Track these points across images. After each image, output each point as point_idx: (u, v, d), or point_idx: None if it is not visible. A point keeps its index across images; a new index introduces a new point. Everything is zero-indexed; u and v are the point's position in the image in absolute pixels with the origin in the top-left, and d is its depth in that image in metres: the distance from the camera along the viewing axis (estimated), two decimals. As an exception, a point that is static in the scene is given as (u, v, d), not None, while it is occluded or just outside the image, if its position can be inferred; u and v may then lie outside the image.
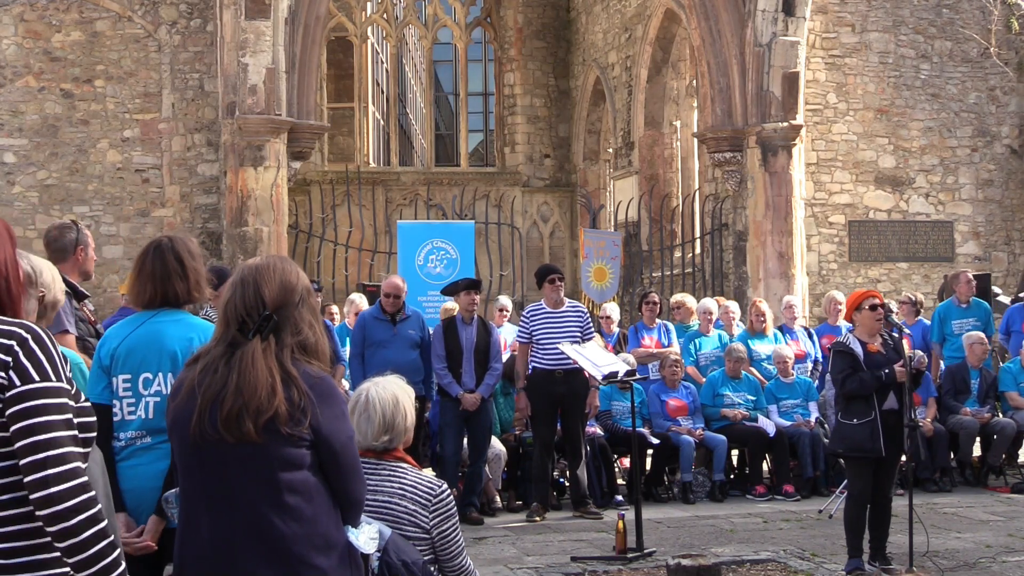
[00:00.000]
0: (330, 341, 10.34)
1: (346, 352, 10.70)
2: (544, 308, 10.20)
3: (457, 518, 4.11)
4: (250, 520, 3.10)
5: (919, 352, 9.76)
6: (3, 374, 2.78)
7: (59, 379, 2.84)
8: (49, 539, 2.78)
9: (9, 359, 2.79)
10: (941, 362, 12.08)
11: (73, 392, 2.92)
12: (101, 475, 3.45)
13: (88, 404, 3.08)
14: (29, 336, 2.83)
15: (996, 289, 14.98)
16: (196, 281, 4.48)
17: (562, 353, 9.79)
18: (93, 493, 2.82)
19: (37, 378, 2.80)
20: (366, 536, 3.36)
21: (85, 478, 2.81)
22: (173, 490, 3.50)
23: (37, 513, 2.75)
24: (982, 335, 11.67)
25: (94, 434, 3.10)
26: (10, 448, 2.78)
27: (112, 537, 2.83)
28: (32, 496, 2.75)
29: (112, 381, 4.31)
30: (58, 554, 2.78)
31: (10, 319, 2.88)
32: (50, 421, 2.78)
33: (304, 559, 3.10)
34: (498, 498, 10.46)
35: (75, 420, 2.89)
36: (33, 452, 2.75)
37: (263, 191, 14.68)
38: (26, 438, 2.76)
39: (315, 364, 3.22)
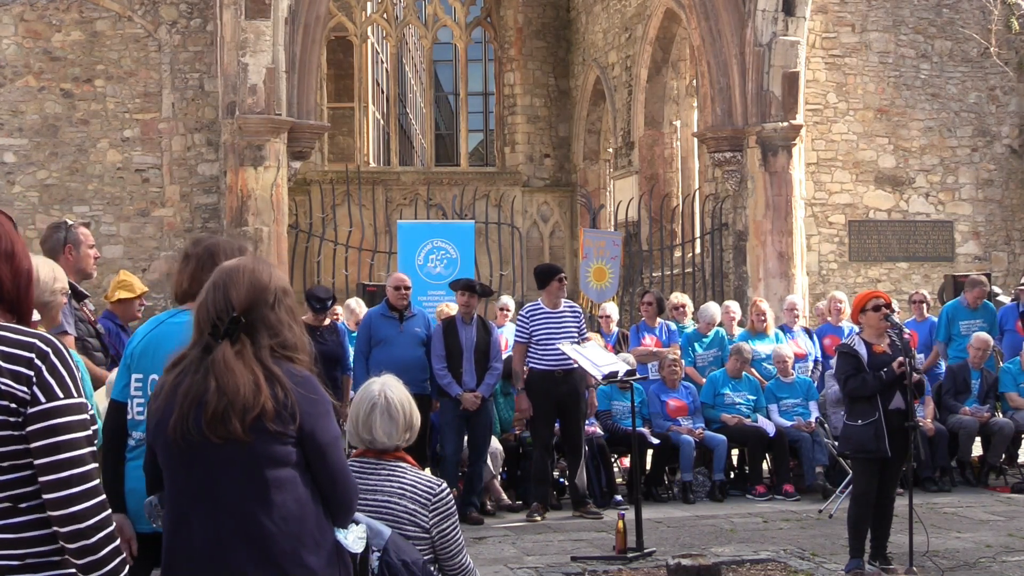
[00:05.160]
0: (341, 345, 10.35)
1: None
2: (543, 308, 10.16)
3: (457, 517, 4.11)
4: (238, 520, 3.10)
5: (919, 356, 9.77)
6: (25, 388, 2.79)
7: (79, 394, 2.87)
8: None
9: (31, 373, 2.80)
10: (943, 361, 12.10)
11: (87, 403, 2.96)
12: None
13: (93, 413, 3.09)
14: (50, 349, 2.84)
15: (996, 289, 14.97)
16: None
17: (561, 353, 9.78)
18: (110, 511, 2.87)
19: (61, 395, 2.81)
20: (354, 535, 3.36)
21: (104, 496, 2.86)
22: (156, 495, 3.50)
23: (59, 529, 2.79)
24: (987, 336, 11.67)
25: (95, 443, 3.11)
26: (28, 459, 2.80)
27: (125, 554, 2.90)
28: (55, 512, 2.78)
29: (130, 379, 4.33)
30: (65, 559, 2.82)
31: (25, 328, 2.89)
32: (75, 439, 2.82)
33: (293, 558, 3.10)
34: (504, 495, 10.44)
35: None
36: (58, 470, 2.78)
37: (263, 191, 14.68)
38: (51, 455, 2.79)
39: (298, 364, 3.22)
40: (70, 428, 2.81)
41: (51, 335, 2.94)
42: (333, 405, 3.28)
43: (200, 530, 3.14)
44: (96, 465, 2.87)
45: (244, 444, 3.09)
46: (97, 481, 2.84)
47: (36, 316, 3.48)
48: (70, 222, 5.86)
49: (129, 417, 4.31)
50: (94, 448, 2.88)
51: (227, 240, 4.51)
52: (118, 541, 2.87)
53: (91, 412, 3.08)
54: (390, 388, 4.07)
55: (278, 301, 3.24)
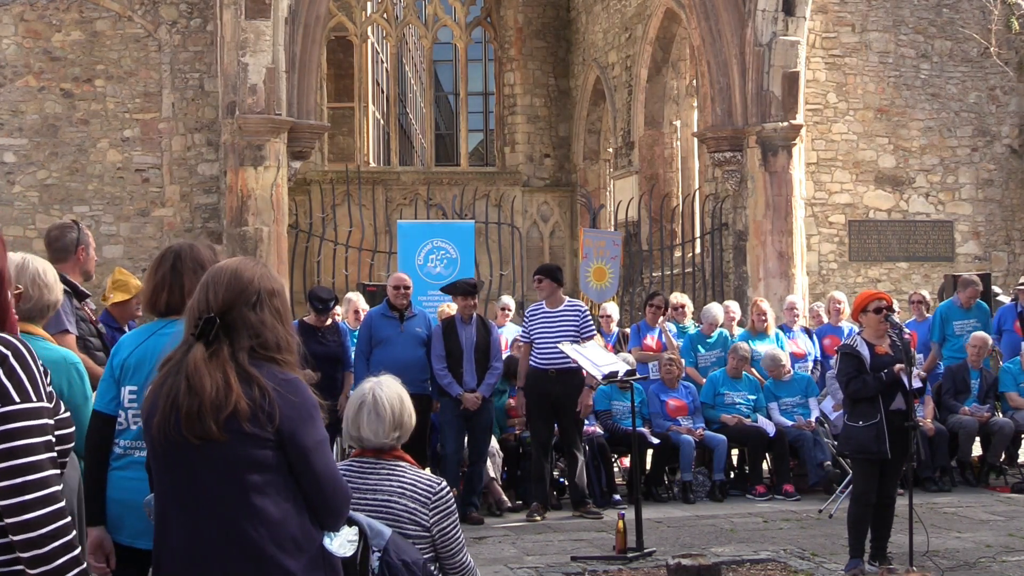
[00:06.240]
0: (342, 345, 10.33)
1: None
2: (543, 308, 10.20)
3: (457, 515, 4.10)
4: (218, 522, 3.10)
5: (918, 356, 9.77)
6: None
7: (39, 398, 2.80)
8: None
9: None
10: (939, 361, 12.11)
11: (52, 406, 2.89)
12: (78, 485, 3.42)
13: (67, 415, 3.04)
14: (9, 352, 2.78)
15: (996, 289, 14.98)
16: (190, 289, 4.34)
17: (557, 353, 9.79)
18: (69, 519, 2.80)
19: (18, 399, 2.75)
20: (340, 540, 3.32)
21: (62, 503, 2.79)
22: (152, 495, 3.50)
23: (12, 537, 2.73)
24: (986, 336, 11.69)
25: (72, 444, 3.07)
26: None
27: (84, 565, 2.83)
28: (8, 520, 2.71)
29: (120, 391, 4.24)
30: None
31: None
32: (30, 444, 2.75)
33: (271, 561, 3.09)
34: (504, 497, 10.42)
35: (54, 434, 2.85)
36: (12, 476, 2.71)
37: (263, 191, 14.68)
38: (5, 461, 2.72)
39: (283, 366, 3.20)
40: (26, 433, 2.74)
41: (16, 338, 2.87)
42: (330, 405, 3.26)
43: (179, 531, 3.15)
44: (55, 471, 2.80)
45: (222, 446, 3.08)
46: (55, 488, 2.77)
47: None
48: (79, 223, 5.87)
49: (122, 428, 4.24)
50: (53, 454, 2.81)
51: (190, 244, 4.41)
52: (77, 551, 2.79)
53: (63, 415, 3.01)
54: (381, 386, 4.07)
55: (261, 302, 3.22)
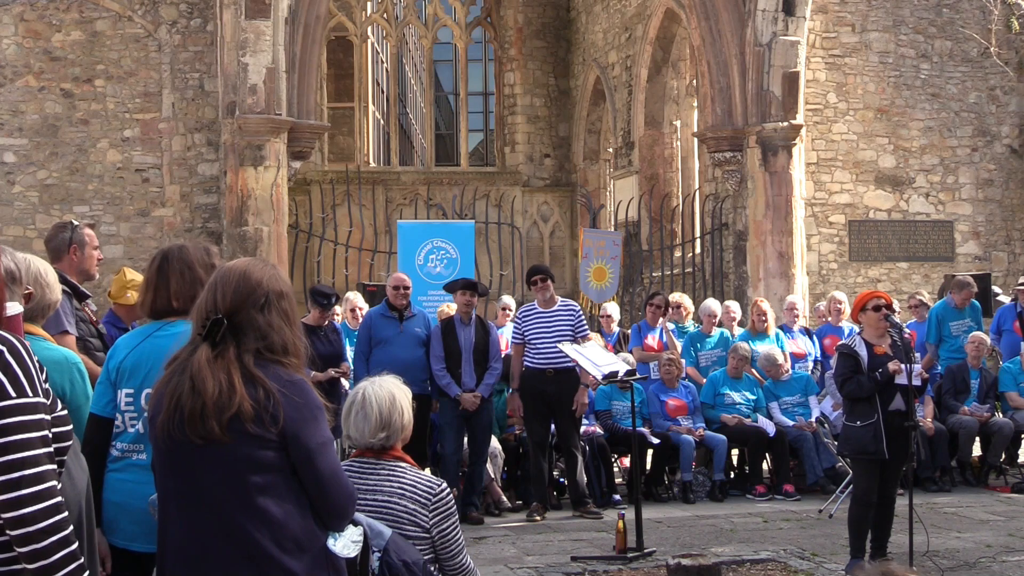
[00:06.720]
0: (341, 343, 10.33)
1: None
2: (536, 308, 10.21)
3: (457, 517, 4.11)
4: (219, 521, 3.11)
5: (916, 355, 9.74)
6: None
7: (36, 393, 2.80)
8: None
9: None
10: (936, 363, 12.11)
11: (49, 403, 2.89)
12: (87, 485, 3.41)
13: (64, 413, 3.03)
14: (4, 348, 2.78)
15: (996, 289, 14.97)
16: (176, 291, 4.25)
17: (554, 353, 9.81)
18: (66, 514, 2.80)
19: (14, 394, 2.75)
20: (344, 540, 3.33)
21: (59, 498, 2.79)
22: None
23: (9, 532, 2.73)
24: (983, 335, 11.70)
25: (71, 442, 3.06)
26: None
27: (82, 559, 2.82)
28: (4, 515, 2.71)
29: (116, 394, 4.22)
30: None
31: None
32: (27, 439, 2.75)
33: (274, 561, 3.10)
34: (503, 498, 10.43)
35: (51, 431, 2.85)
36: (8, 471, 2.71)
37: (263, 191, 14.68)
38: (1, 456, 2.72)
39: (289, 368, 3.21)
40: (21, 428, 2.74)
41: (12, 334, 2.87)
42: (335, 408, 3.27)
43: (182, 529, 3.16)
44: (52, 467, 2.80)
45: (225, 446, 3.09)
46: (51, 484, 2.77)
47: (15, 309, 3.37)
48: (76, 223, 5.86)
49: (119, 430, 4.22)
50: (50, 450, 2.80)
51: (180, 245, 4.37)
52: (74, 546, 2.79)
53: (60, 413, 3.00)
54: (375, 385, 4.07)
55: (269, 304, 3.23)
